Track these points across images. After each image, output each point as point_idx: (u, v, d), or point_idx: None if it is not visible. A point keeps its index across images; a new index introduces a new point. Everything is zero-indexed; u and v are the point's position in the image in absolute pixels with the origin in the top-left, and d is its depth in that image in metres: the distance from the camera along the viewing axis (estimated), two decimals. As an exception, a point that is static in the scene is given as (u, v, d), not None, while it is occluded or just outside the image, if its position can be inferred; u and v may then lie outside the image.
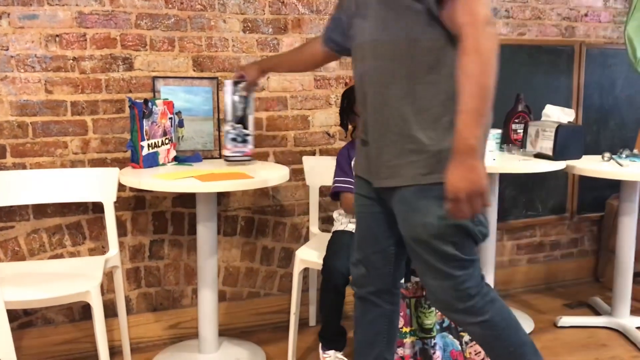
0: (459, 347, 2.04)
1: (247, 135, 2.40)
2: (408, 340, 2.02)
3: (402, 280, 2.03)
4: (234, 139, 2.38)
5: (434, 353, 2.00)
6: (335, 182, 2.40)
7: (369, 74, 1.64)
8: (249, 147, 2.42)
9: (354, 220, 2.38)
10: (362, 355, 1.88)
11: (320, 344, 2.33)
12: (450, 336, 2.05)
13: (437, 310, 2.04)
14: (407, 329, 2.03)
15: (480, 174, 1.44)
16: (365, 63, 1.65)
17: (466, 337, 2.07)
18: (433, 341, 2.02)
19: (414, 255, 1.65)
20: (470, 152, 1.44)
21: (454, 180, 1.44)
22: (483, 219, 1.58)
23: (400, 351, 2.01)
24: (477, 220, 1.55)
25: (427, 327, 2.03)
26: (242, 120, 2.38)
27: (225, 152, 2.41)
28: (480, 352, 2.05)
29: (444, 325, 2.05)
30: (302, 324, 2.75)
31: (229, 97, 2.35)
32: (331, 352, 2.29)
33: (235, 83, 2.31)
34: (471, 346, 2.06)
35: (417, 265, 1.66)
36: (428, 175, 1.53)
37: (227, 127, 2.38)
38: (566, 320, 2.90)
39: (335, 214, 2.51)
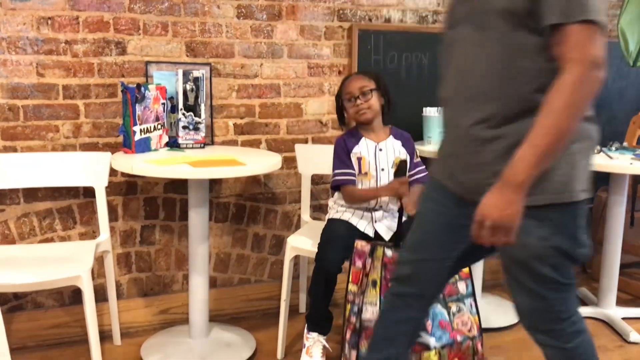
0: (447, 317, 2.06)
1: (199, 123, 2.47)
2: None
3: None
4: (185, 127, 2.46)
5: (427, 319, 2.03)
6: (335, 174, 2.38)
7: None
8: (201, 135, 2.48)
9: (350, 209, 2.39)
10: (376, 350, 1.81)
11: (305, 325, 2.35)
12: (439, 306, 2.07)
13: None
14: None
15: (515, 211, 1.39)
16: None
17: (454, 308, 2.09)
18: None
19: (507, 272, 1.59)
20: (516, 187, 1.38)
21: (488, 206, 1.41)
22: (585, 240, 1.51)
23: None
24: (579, 242, 1.49)
25: None
26: (193, 109, 2.44)
27: (179, 140, 2.48)
28: (467, 322, 2.07)
29: None
30: (292, 310, 2.77)
31: (180, 85, 2.42)
32: (314, 335, 2.31)
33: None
34: (459, 317, 2.09)
35: (509, 282, 1.60)
36: (531, 197, 1.43)
37: (179, 115, 2.44)
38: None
39: (330, 202, 2.51)
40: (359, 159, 2.37)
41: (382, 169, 2.37)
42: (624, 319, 2.82)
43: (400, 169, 2.30)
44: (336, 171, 2.38)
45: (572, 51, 1.34)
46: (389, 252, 2.10)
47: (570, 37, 1.34)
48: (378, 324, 1.83)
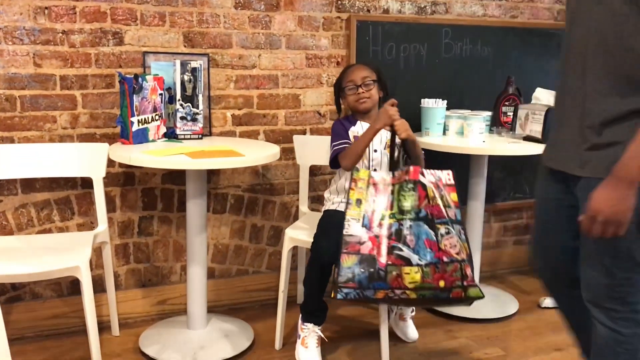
0: (434, 237, 2.06)
1: (197, 114, 2.46)
2: (385, 222, 2.05)
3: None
4: (183, 118, 2.46)
5: (408, 235, 2.02)
6: (332, 147, 2.39)
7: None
8: (199, 126, 2.48)
9: (345, 200, 2.39)
10: (581, 340, 1.86)
11: (300, 315, 2.36)
12: (426, 226, 2.06)
13: (417, 196, 2.08)
14: (388, 212, 2.06)
15: (628, 206, 1.40)
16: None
17: (442, 230, 2.08)
18: (408, 222, 2.04)
19: (585, 243, 1.59)
20: (630, 182, 1.39)
21: (600, 200, 1.42)
22: None
23: (376, 230, 2.04)
24: None
25: (405, 209, 2.05)
26: (191, 99, 2.44)
27: (177, 130, 2.47)
28: (455, 245, 2.07)
29: (420, 215, 2.06)
30: (290, 301, 2.77)
31: (178, 76, 2.41)
32: (310, 325, 2.33)
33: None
34: (447, 239, 2.08)
35: (584, 252, 1.61)
36: None
37: (177, 106, 2.43)
38: (550, 301, 2.94)
39: (326, 194, 2.52)
40: (355, 137, 2.39)
41: (375, 150, 2.40)
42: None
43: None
44: (333, 144, 2.39)
45: None
46: (377, 176, 2.10)
47: None
48: (569, 324, 1.88)
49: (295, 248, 2.53)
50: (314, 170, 2.86)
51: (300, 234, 2.41)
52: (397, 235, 2.02)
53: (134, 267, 2.69)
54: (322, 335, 2.34)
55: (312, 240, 2.27)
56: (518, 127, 2.83)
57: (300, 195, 2.78)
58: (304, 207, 2.76)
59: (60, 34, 2.40)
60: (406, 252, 2.00)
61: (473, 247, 2.84)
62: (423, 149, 2.57)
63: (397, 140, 2.24)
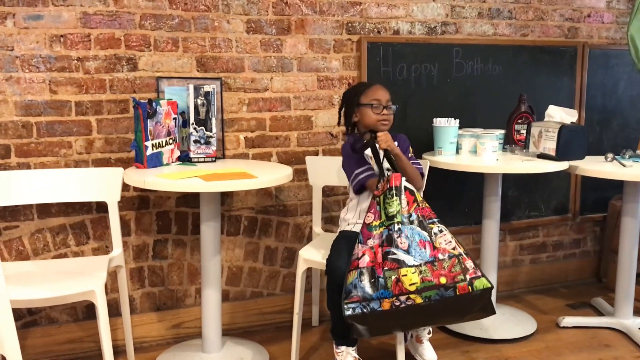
0: (428, 237, 2.07)
1: (210, 137, 2.49)
2: (376, 232, 2.09)
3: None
4: (196, 141, 2.48)
5: (398, 237, 2.04)
6: (355, 175, 2.37)
7: None
8: (212, 149, 2.50)
9: (361, 221, 2.39)
10: None
11: (334, 341, 2.35)
12: (418, 228, 2.08)
13: (402, 202, 2.11)
14: (377, 222, 2.11)
15: None
16: None
17: (435, 229, 2.10)
18: (397, 226, 2.06)
19: None
20: None
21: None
22: None
23: (370, 242, 2.08)
24: None
25: (391, 214, 2.09)
26: (204, 123, 2.47)
27: (190, 154, 2.49)
28: (450, 241, 2.08)
29: (412, 218, 2.09)
30: (305, 324, 2.76)
31: (191, 100, 2.44)
32: (343, 348, 2.31)
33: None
34: (441, 236, 2.09)
35: None
36: None
37: (190, 130, 2.46)
38: (569, 320, 2.90)
39: (342, 214, 2.51)
40: (367, 155, 2.41)
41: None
42: (641, 328, 2.79)
43: (367, 144, 2.31)
44: (356, 171, 2.37)
45: None
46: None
47: None
48: None
49: (309, 269, 2.52)
50: (326, 191, 2.86)
51: (314, 255, 2.40)
52: (387, 241, 2.06)
53: (149, 290, 2.70)
54: (358, 357, 2.32)
55: (325, 261, 2.26)
56: (532, 145, 2.81)
57: (313, 216, 2.78)
58: (317, 228, 2.76)
59: (76, 61, 2.44)
60: (400, 254, 2.03)
61: (489, 266, 2.82)
62: (438, 169, 2.57)
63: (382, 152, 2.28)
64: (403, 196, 2.12)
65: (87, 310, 2.57)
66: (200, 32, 2.61)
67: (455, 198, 3.14)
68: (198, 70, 2.62)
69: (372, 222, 2.12)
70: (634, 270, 2.85)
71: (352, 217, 2.44)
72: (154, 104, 2.36)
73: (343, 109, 2.48)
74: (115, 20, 2.47)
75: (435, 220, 2.13)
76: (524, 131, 2.90)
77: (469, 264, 2.05)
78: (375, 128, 2.38)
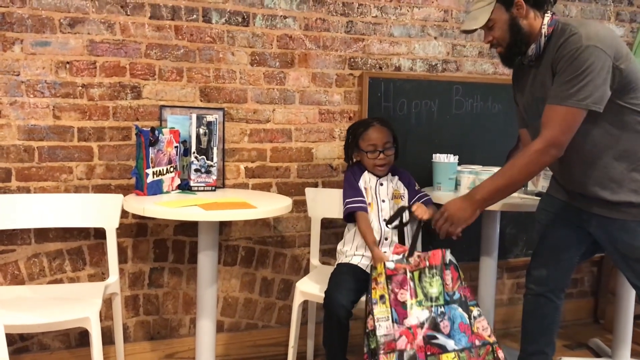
0: (467, 320, 2.03)
1: (211, 166, 2.50)
2: (414, 312, 2.01)
3: (405, 255, 2.08)
4: (197, 170, 2.49)
5: (442, 321, 2.00)
6: (346, 203, 2.44)
7: None
8: (213, 178, 2.51)
9: (358, 252, 2.39)
10: (530, 343, 2.32)
11: None
12: (460, 309, 2.04)
13: (446, 279, 2.07)
14: (413, 300, 2.02)
15: (465, 215, 2.05)
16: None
17: (475, 312, 2.06)
18: (440, 309, 2.01)
19: (627, 266, 2.04)
20: (473, 201, 2.05)
21: (451, 204, 2.07)
22: None
23: (406, 322, 1.99)
24: None
25: (434, 296, 2.03)
26: (206, 152, 2.48)
27: (190, 182, 2.50)
28: (487, 328, 2.06)
29: (454, 297, 2.04)
30: (300, 357, 2.73)
31: (193, 129, 2.46)
32: None
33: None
34: (479, 321, 2.06)
35: (629, 272, 2.05)
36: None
37: (191, 158, 2.47)
38: (569, 359, 2.87)
39: (339, 246, 2.51)
40: (365, 189, 2.49)
41: (383, 201, 2.48)
42: (639, 371, 2.76)
43: (397, 213, 2.30)
44: (347, 200, 2.45)
45: (546, 125, 1.92)
46: (390, 265, 2.07)
47: (551, 110, 1.91)
48: (526, 322, 2.34)
49: (305, 302, 2.51)
50: (325, 223, 2.86)
51: (311, 287, 2.39)
52: (430, 324, 2.01)
53: (143, 319, 2.67)
54: None
55: (323, 294, 2.25)
56: (530, 184, 2.82)
57: (311, 248, 2.78)
58: (315, 260, 2.75)
59: (80, 87, 2.47)
60: (442, 339, 2.00)
61: (486, 304, 2.80)
62: (435, 204, 2.58)
63: (405, 219, 2.28)
64: (448, 271, 2.08)
65: (80, 337, 2.54)
66: (205, 63, 2.64)
67: (453, 234, 3.13)
68: (201, 100, 2.65)
69: (406, 301, 2.04)
70: (632, 312, 2.84)
71: (349, 249, 2.44)
72: (156, 132, 2.37)
73: (346, 144, 2.59)
74: (122, 48, 2.51)
75: (475, 302, 2.10)
76: (523, 169, 2.91)
77: (501, 354, 2.04)
78: (372, 170, 2.50)
